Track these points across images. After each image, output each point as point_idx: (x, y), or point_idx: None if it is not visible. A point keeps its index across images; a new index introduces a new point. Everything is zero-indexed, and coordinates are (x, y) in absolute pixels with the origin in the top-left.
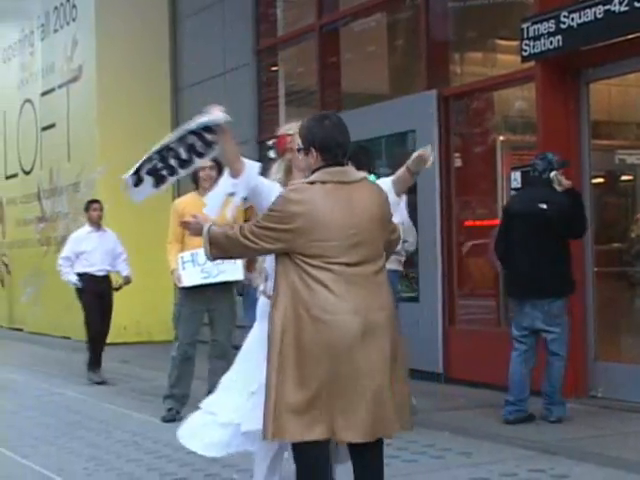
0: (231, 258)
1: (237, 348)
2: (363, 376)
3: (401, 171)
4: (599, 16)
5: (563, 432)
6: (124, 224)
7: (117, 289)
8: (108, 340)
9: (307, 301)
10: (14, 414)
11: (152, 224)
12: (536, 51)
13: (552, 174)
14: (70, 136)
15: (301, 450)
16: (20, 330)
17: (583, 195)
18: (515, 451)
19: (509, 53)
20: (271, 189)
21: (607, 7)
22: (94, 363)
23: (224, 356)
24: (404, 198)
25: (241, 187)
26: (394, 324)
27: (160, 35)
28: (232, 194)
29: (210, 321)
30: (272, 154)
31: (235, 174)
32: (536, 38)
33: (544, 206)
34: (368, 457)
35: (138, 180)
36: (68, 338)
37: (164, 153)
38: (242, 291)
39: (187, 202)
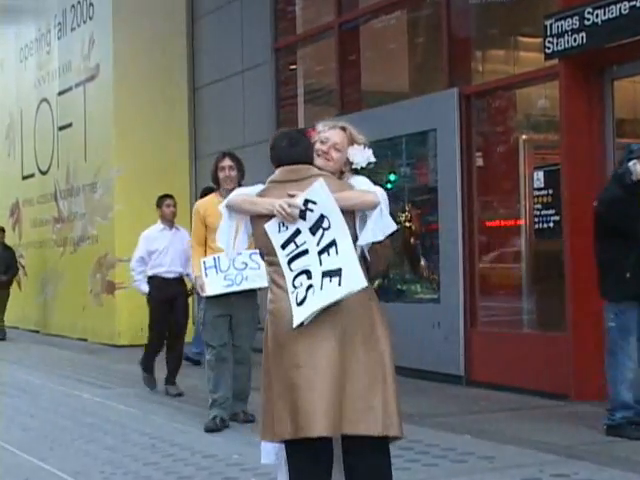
0: None
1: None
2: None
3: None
4: (624, 12)
5: (589, 436)
6: (141, 224)
7: (189, 294)
8: (126, 342)
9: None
10: (30, 417)
11: None
12: (559, 48)
13: (631, 163)
14: (87, 136)
15: (287, 452)
16: (36, 332)
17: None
18: (539, 455)
19: (532, 50)
20: None
21: (632, 3)
22: (154, 374)
23: (245, 361)
24: None
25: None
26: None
27: (177, 34)
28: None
29: (231, 326)
30: None
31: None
32: (559, 35)
33: (594, 203)
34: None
35: None
36: (85, 340)
37: None
38: None
39: (208, 203)
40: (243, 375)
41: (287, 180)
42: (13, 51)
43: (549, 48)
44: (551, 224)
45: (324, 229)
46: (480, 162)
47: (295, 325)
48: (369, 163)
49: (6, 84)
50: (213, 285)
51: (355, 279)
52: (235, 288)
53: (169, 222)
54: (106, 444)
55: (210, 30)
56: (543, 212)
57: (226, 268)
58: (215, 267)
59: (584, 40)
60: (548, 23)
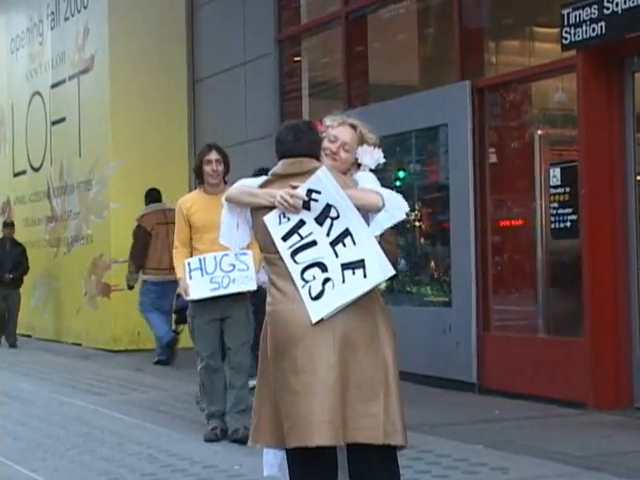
0: None
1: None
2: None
3: None
4: None
5: (607, 446)
6: None
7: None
8: (122, 347)
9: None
10: (22, 425)
11: None
12: (577, 39)
13: None
14: (81, 130)
15: (289, 462)
16: (28, 336)
17: (627, 192)
18: (555, 467)
19: (548, 41)
20: None
21: None
22: None
23: (239, 366)
24: None
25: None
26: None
27: (177, 23)
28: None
29: (223, 330)
30: None
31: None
32: (577, 25)
33: None
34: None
35: None
36: (79, 345)
37: None
38: None
39: (193, 200)
40: (237, 381)
41: (289, 173)
42: (4, 42)
43: (566, 39)
44: (568, 223)
45: (332, 219)
46: (493, 159)
47: (314, 321)
48: (378, 165)
49: None
50: (198, 288)
51: (381, 269)
52: (222, 292)
53: None
54: (101, 454)
55: (211, 20)
56: (559, 211)
57: (212, 270)
58: (200, 269)
59: (603, 30)
60: (565, 12)
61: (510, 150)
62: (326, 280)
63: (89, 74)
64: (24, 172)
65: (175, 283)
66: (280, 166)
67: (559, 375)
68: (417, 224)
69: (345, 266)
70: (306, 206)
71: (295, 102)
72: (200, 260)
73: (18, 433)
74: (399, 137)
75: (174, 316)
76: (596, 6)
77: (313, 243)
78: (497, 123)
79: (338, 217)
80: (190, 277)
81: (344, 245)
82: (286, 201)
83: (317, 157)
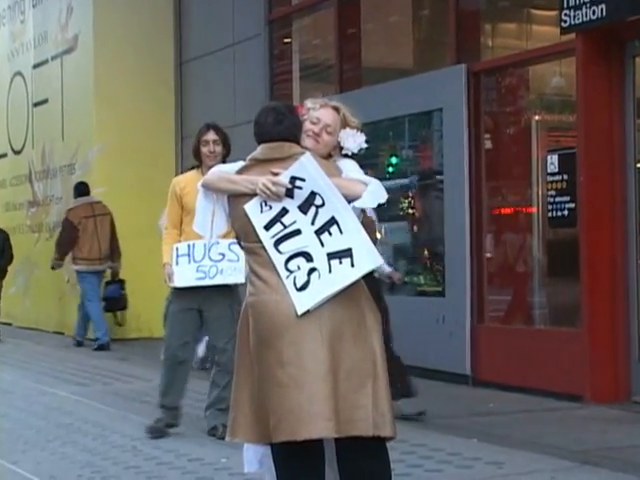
0: None
1: None
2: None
3: None
4: None
5: (605, 441)
6: (123, 208)
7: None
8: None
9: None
10: (2, 416)
11: (152, 208)
12: (577, 22)
13: None
14: (64, 112)
15: (274, 456)
16: (8, 324)
17: (627, 180)
18: (552, 461)
19: (547, 24)
20: None
21: None
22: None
23: (225, 366)
24: None
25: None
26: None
27: (164, 2)
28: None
29: (205, 324)
30: None
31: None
32: (577, 7)
33: None
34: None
35: None
36: (61, 333)
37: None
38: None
39: (188, 181)
40: (221, 380)
41: (270, 158)
42: None
43: (565, 21)
44: (565, 212)
45: (317, 207)
46: (489, 145)
47: (300, 312)
48: (360, 149)
49: None
50: (183, 275)
51: (369, 258)
52: (207, 282)
53: None
54: (84, 446)
55: None
56: (557, 199)
57: (200, 258)
58: (188, 255)
59: (603, 13)
60: None
61: (506, 136)
62: (312, 270)
63: (72, 54)
64: (5, 155)
65: (103, 273)
66: (260, 151)
67: (555, 367)
68: (410, 211)
69: (331, 255)
70: (289, 194)
71: (285, 85)
72: (189, 246)
73: None
74: (392, 122)
75: (103, 303)
76: None
77: (297, 232)
78: (493, 108)
79: (323, 205)
80: (177, 263)
81: (330, 234)
82: (268, 189)
83: (298, 142)
